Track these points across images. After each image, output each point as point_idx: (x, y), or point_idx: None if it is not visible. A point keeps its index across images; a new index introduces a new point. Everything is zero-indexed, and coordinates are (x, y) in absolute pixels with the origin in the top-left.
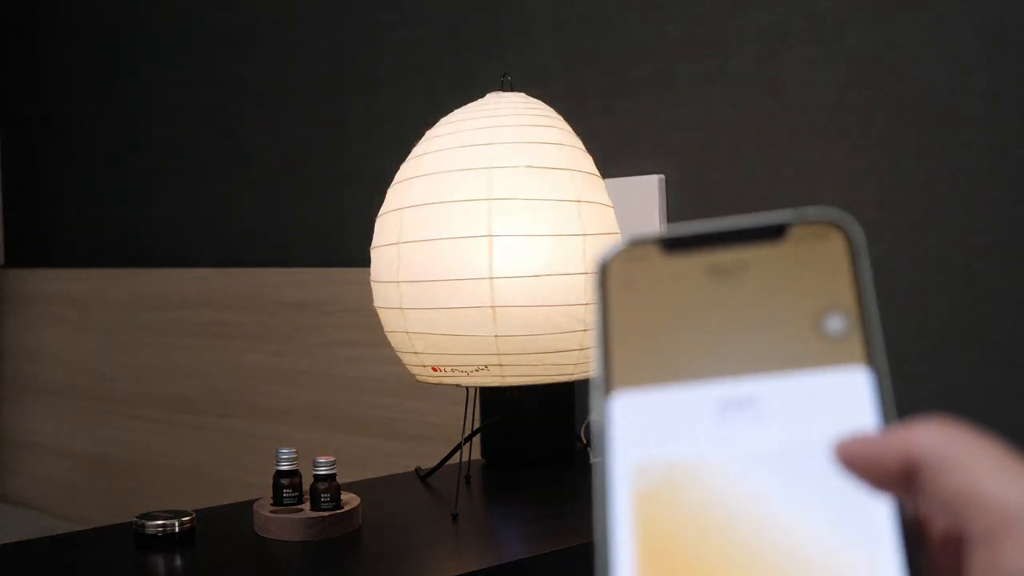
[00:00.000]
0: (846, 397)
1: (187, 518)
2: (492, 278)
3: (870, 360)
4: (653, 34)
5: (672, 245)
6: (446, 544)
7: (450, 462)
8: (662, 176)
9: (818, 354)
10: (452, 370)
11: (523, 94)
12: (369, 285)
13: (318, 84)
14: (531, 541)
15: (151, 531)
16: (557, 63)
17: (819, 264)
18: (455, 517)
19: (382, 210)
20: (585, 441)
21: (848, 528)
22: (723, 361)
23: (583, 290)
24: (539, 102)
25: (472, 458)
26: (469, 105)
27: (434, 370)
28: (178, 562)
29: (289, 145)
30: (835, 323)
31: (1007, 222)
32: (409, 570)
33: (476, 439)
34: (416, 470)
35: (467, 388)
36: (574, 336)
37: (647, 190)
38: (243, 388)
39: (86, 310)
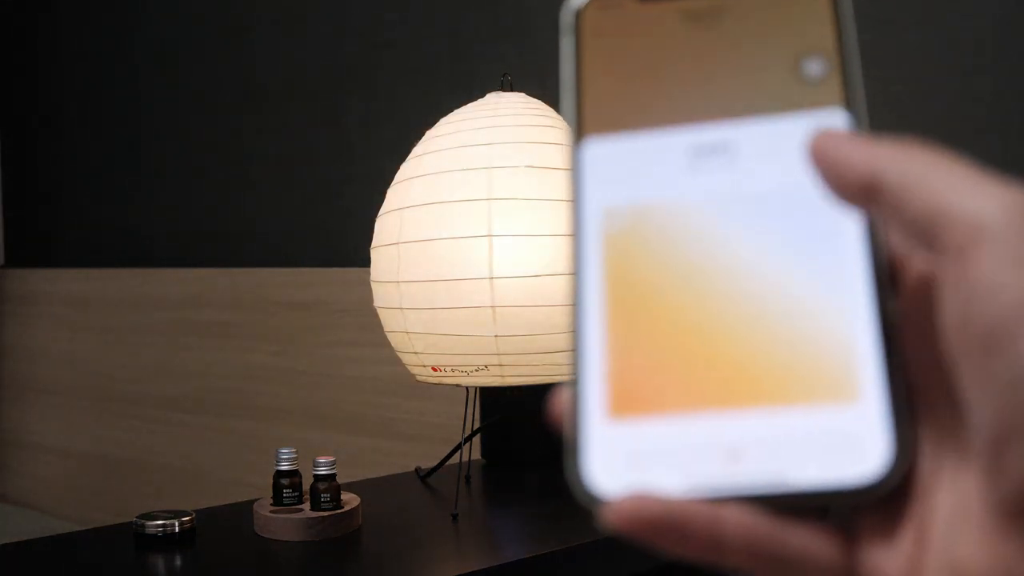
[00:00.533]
0: None
1: (187, 518)
2: (492, 278)
3: (849, 103)
4: None
5: None
6: (446, 544)
7: (450, 462)
8: None
9: (796, 98)
10: (452, 370)
11: (523, 94)
12: (369, 285)
13: (318, 84)
14: (531, 541)
15: (151, 531)
16: (557, 63)
17: (798, 6)
18: (455, 517)
19: (382, 210)
20: None
21: (821, 272)
22: (698, 106)
23: None
24: (539, 102)
25: (472, 458)
26: (469, 105)
27: (434, 370)
28: (178, 562)
29: (289, 145)
30: (814, 66)
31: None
32: (409, 570)
33: (476, 439)
34: (416, 470)
35: (467, 388)
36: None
37: None
38: (243, 388)
39: (86, 310)
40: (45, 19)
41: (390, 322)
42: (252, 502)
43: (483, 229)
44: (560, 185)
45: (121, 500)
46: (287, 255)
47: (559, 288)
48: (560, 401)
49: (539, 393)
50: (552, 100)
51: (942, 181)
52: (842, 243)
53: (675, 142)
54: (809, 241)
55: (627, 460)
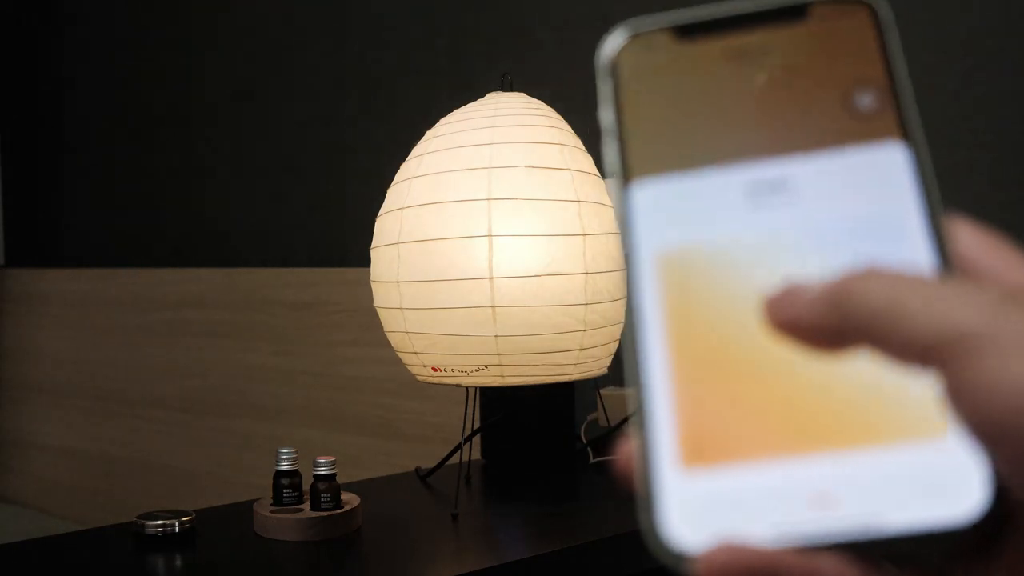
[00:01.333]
0: (884, 173)
1: (187, 518)
2: (492, 278)
3: (906, 134)
4: None
5: (684, 32)
6: (446, 544)
7: (450, 462)
8: None
9: (850, 132)
10: (452, 370)
11: (523, 94)
12: (369, 285)
13: (318, 84)
14: (531, 541)
15: (151, 531)
16: (557, 63)
17: (845, 41)
18: (455, 517)
19: (382, 210)
20: (585, 441)
21: None
22: (749, 144)
23: (583, 290)
24: (539, 102)
25: (472, 458)
26: (469, 105)
27: (434, 370)
28: (178, 562)
29: (289, 145)
30: (866, 99)
31: (1011, 222)
32: (409, 570)
33: (476, 439)
34: (416, 470)
35: (467, 388)
36: (574, 336)
37: None
38: (243, 388)
39: (86, 310)
40: (45, 20)
41: (390, 322)
42: (252, 502)
43: (483, 229)
44: (560, 185)
45: (121, 500)
46: (287, 255)
47: (559, 288)
48: (627, 453)
49: (539, 393)
50: (552, 100)
51: (909, 305)
52: None
53: (729, 181)
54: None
55: (707, 511)
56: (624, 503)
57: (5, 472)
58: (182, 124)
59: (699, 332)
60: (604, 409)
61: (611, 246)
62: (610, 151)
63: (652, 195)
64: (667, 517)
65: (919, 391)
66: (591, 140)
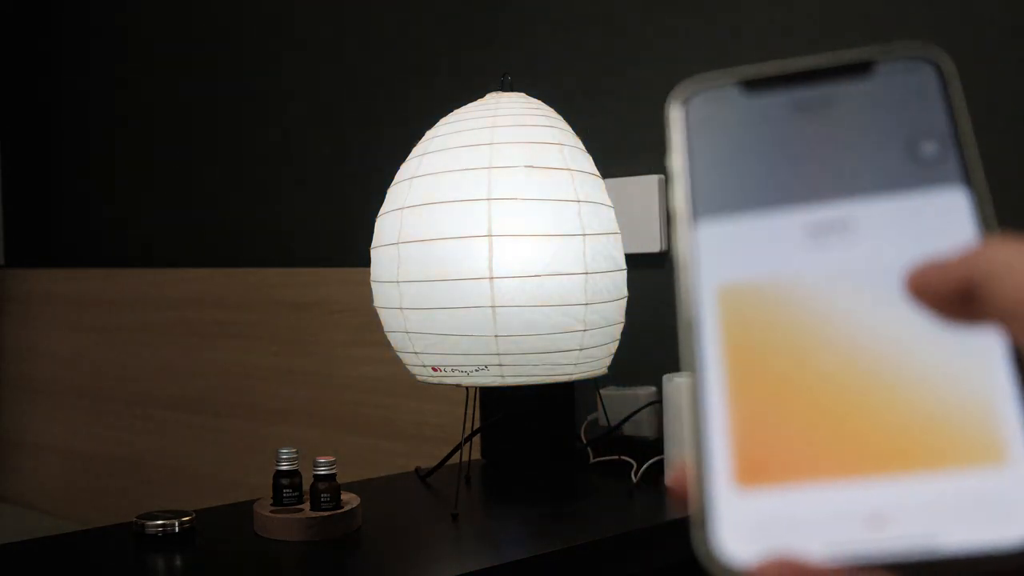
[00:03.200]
0: (945, 217)
1: (187, 518)
2: (492, 278)
3: (968, 180)
4: (653, 34)
5: (754, 85)
6: (446, 544)
7: (450, 462)
8: (662, 176)
9: (913, 176)
10: (452, 370)
11: (523, 94)
12: (369, 285)
13: (318, 84)
14: (531, 541)
15: (151, 531)
16: (557, 63)
17: (909, 94)
18: (455, 517)
19: (382, 210)
20: (585, 441)
21: (953, 339)
22: (813, 187)
23: (583, 290)
24: (539, 102)
25: (472, 458)
26: (469, 105)
27: (434, 370)
28: (178, 562)
29: (289, 145)
30: (929, 147)
31: (1010, 224)
32: (409, 570)
33: (476, 439)
34: (416, 470)
35: (467, 388)
36: (574, 336)
37: (647, 190)
38: (243, 388)
39: (86, 310)
40: (45, 20)
41: (390, 322)
42: (252, 502)
43: (483, 229)
44: (560, 185)
45: (121, 500)
46: (287, 255)
47: (559, 288)
48: (681, 473)
49: (539, 393)
50: (552, 100)
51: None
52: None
53: (792, 221)
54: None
55: (762, 529)
56: (624, 503)
57: (5, 472)
58: (182, 124)
59: (758, 360)
60: (604, 409)
61: (611, 246)
62: (677, 192)
63: (716, 233)
64: (721, 534)
65: (975, 416)
66: (590, 140)
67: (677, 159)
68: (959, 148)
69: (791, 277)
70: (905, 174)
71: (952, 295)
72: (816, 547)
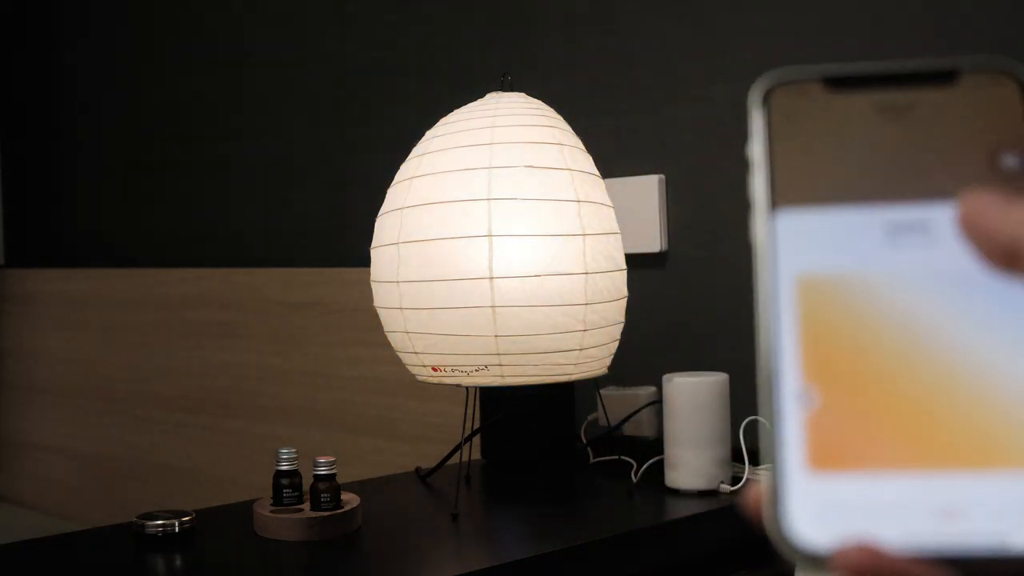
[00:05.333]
0: None
1: (187, 518)
2: (492, 278)
3: None
4: (653, 34)
5: (837, 83)
6: (446, 544)
7: (450, 462)
8: (662, 176)
9: (993, 186)
10: (452, 370)
11: (523, 94)
12: (369, 285)
13: (318, 84)
14: (531, 541)
15: (151, 531)
16: (557, 63)
17: (991, 106)
18: (455, 517)
19: (382, 210)
20: (585, 441)
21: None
22: (893, 187)
23: (583, 290)
24: (539, 102)
25: (472, 458)
26: (469, 105)
27: (434, 370)
28: (178, 562)
29: (289, 145)
30: (1010, 160)
31: None
32: (409, 570)
33: (476, 439)
34: (416, 470)
35: (467, 388)
36: (574, 336)
37: (647, 190)
38: (243, 388)
39: (86, 310)
40: (46, 20)
41: (390, 322)
42: (252, 502)
43: (483, 229)
44: (560, 185)
45: (121, 500)
46: (287, 255)
47: (559, 288)
48: (756, 496)
49: (539, 393)
50: (551, 100)
51: None
52: None
53: (871, 218)
54: (1015, 312)
55: (834, 513)
56: (624, 503)
57: (5, 472)
58: (182, 124)
59: (834, 348)
60: (604, 409)
61: (611, 246)
62: (757, 181)
63: (795, 224)
64: (794, 517)
65: None
66: (591, 140)
67: (757, 148)
68: None
69: (869, 272)
70: (985, 183)
71: (1000, 252)
72: (890, 536)
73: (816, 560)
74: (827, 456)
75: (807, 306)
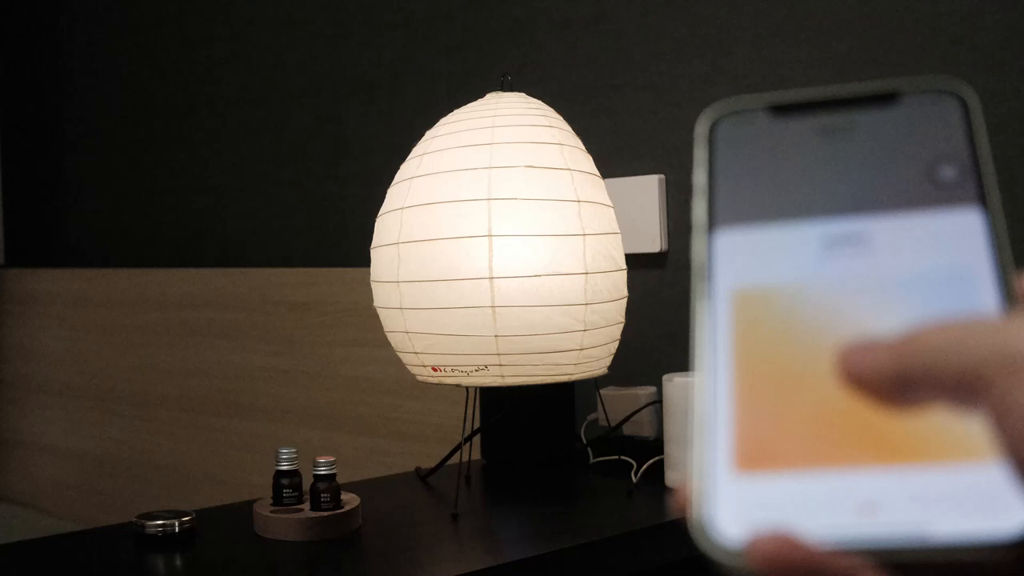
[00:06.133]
0: (959, 236)
1: (187, 518)
2: (492, 278)
3: (984, 202)
4: (653, 34)
5: (781, 110)
6: (446, 544)
7: (450, 462)
8: (662, 176)
9: (930, 197)
10: (452, 370)
11: (523, 94)
12: (369, 285)
13: (318, 84)
14: (531, 541)
15: (151, 531)
16: (557, 63)
17: (931, 123)
18: (455, 517)
19: (382, 210)
20: (585, 441)
21: None
22: (831, 202)
23: (583, 290)
24: (539, 102)
25: (472, 458)
26: (469, 105)
27: (434, 370)
28: (178, 562)
29: (289, 145)
30: (948, 171)
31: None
32: (409, 570)
33: (476, 439)
34: (416, 470)
35: (467, 388)
36: (574, 336)
37: (647, 190)
38: (243, 388)
39: (86, 310)
40: (47, 20)
41: (390, 322)
42: (252, 502)
43: (483, 229)
44: (560, 185)
45: (121, 500)
46: (287, 255)
47: (559, 288)
48: (684, 493)
49: (539, 393)
50: (551, 100)
51: (965, 338)
52: None
53: (808, 233)
54: (947, 315)
55: (756, 511)
56: (624, 503)
57: (5, 472)
58: (182, 124)
59: (764, 357)
60: (604, 409)
61: (611, 246)
62: (699, 206)
63: (733, 241)
64: (717, 515)
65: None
66: (590, 140)
67: (700, 174)
68: (977, 173)
69: (802, 283)
70: (923, 194)
71: (890, 390)
72: (809, 529)
73: (735, 555)
74: (752, 456)
75: (740, 317)
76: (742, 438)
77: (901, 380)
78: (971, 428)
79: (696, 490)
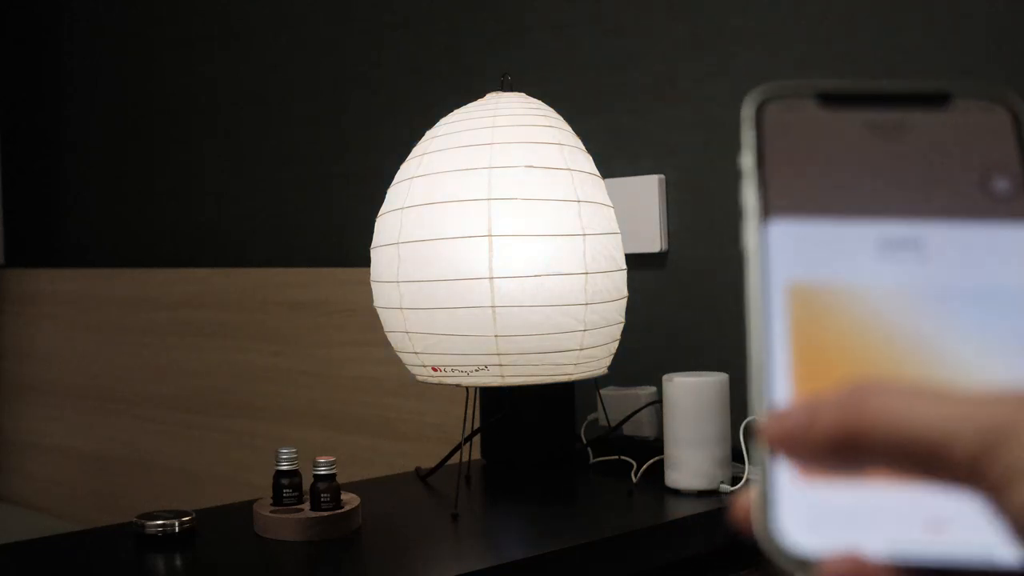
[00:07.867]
0: (1011, 251)
1: (187, 518)
2: (492, 278)
3: None
4: (653, 34)
5: (830, 99)
6: (446, 544)
7: (450, 462)
8: (662, 176)
9: (984, 208)
10: (452, 370)
11: (523, 94)
12: (369, 285)
13: (318, 84)
14: (531, 541)
15: (151, 531)
16: (557, 63)
17: (982, 131)
18: (455, 517)
19: (382, 210)
20: (585, 441)
21: (1014, 356)
22: (885, 204)
23: (583, 290)
24: (539, 102)
25: (472, 458)
26: (469, 105)
27: (434, 370)
28: (178, 562)
29: (289, 145)
30: (1001, 183)
31: None
32: (409, 570)
33: (476, 439)
34: (416, 470)
35: (467, 388)
36: (574, 336)
37: (647, 190)
38: (243, 388)
39: (86, 310)
40: (47, 20)
41: (390, 322)
42: (252, 502)
43: (483, 229)
44: (560, 185)
45: (121, 500)
46: (287, 255)
47: (559, 288)
48: (744, 504)
49: (539, 393)
50: (551, 100)
51: (910, 410)
52: None
53: (863, 232)
54: (1001, 333)
55: (823, 521)
56: (624, 503)
57: (5, 472)
58: (183, 124)
59: (823, 356)
60: (604, 409)
61: (611, 246)
62: (748, 191)
63: (787, 233)
64: (785, 524)
65: None
66: (590, 140)
67: (749, 158)
68: None
69: (860, 283)
70: (977, 205)
71: (833, 453)
72: (876, 544)
73: (805, 566)
74: None
75: (797, 314)
76: None
77: (847, 445)
78: None
79: (762, 497)
